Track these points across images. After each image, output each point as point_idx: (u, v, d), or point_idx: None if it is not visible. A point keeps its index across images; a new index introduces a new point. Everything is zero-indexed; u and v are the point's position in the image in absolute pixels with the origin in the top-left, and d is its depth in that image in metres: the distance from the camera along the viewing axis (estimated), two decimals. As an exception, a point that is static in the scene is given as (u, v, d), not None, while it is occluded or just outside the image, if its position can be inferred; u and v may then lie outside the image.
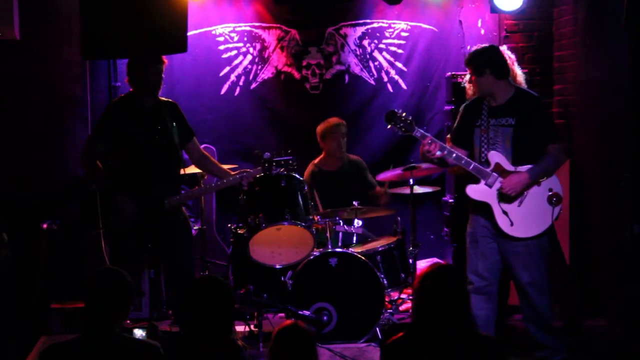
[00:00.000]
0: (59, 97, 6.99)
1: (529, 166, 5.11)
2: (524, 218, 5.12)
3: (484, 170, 5.13)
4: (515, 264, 5.18)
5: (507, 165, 5.13)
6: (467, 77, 5.86)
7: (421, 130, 5.20)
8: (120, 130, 5.35)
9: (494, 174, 5.12)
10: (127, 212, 5.30)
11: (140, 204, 5.31)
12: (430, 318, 3.23)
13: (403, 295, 6.41)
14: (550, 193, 5.14)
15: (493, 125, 5.16)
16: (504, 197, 5.11)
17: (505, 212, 5.11)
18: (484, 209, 5.19)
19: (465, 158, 5.15)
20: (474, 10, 7.63)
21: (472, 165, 5.13)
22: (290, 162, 5.66)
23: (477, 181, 5.17)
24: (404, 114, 5.19)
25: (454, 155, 5.13)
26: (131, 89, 5.51)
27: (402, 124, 5.18)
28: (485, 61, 5.18)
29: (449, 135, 5.50)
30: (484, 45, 5.54)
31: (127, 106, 5.42)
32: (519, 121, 5.13)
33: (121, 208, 5.30)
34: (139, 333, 4.83)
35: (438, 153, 5.11)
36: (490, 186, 5.13)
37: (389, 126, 5.22)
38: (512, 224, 5.12)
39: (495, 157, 5.13)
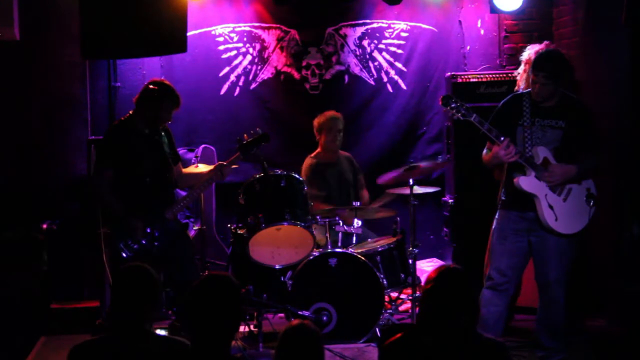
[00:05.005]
0: (59, 97, 6.99)
1: (577, 165, 5.22)
2: (566, 214, 5.20)
3: (537, 165, 5.18)
4: (547, 259, 5.24)
5: (553, 162, 5.21)
6: (521, 69, 5.82)
7: (479, 117, 5.15)
8: (122, 153, 5.41)
9: (543, 167, 5.18)
10: (139, 232, 5.39)
11: (147, 223, 5.41)
12: (437, 319, 3.22)
13: (403, 296, 6.41)
14: (588, 193, 5.26)
15: (540, 125, 5.23)
16: (552, 190, 5.18)
17: (551, 206, 5.17)
18: (521, 203, 5.23)
19: (524, 154, 5.18)
20: (473, 10, 7.63)
21: (523, 158, 5.16)
22: (263, 136, 5.70)
23: (524, 172, 5.19)
24: (459, 100, 5.15)
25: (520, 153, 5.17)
26: (131, 112, 5.55)
27: (463, 110, 5.10)
28: (564, 70, 5.24)
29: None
30: (555, 50, 5.52)
31: (127, 130, 5.48)
32: (568, 124, 5.23)
33: (134, 229, 5.38)
34: (162, 334, 4.84)
35: (517, 156, 5.10)
36: (539, 179, 5.17)
37: (446, 109, 5.15)
38: (556, 219, 5.17)
39: (544, 152, 5.20)
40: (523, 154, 5.16)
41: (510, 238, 5.27)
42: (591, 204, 5.23)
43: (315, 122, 6.75)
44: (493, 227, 5.39)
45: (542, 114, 5.25)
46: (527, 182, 5.19)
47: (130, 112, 5.55)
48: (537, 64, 5.23)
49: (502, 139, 5.11)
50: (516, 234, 5.27)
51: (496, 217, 5.40)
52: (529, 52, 6.66)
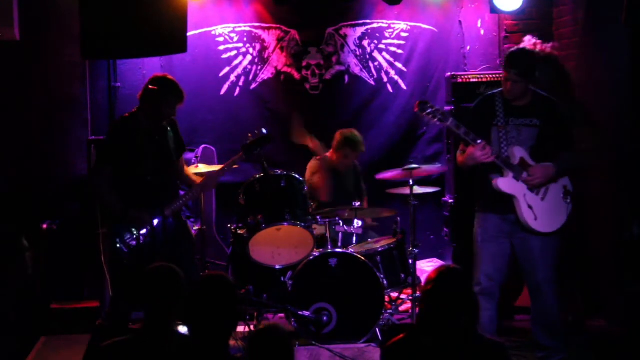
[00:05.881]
0: (59, 97, 6.99)
1: (551, 163, 5.23)
2: (546, 213, 5.21)
3: (514, 165, 5.19)
4: (533, 260, 5.25)
5: (530, 161, 5.22)
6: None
7: (455, 121, 5.14)
8: (124, 150, 5.39)
9: (520, 167, 5.17)
10: (145, 218, 5.36)
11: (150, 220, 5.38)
12: (437, 320, 3.22)
13: (403, 296, 6.41)
14: (565, 190, 5.28)
15: (515, 124, 5.24)
16: (530, 190, 5.18)
17: (530, 206, 5.18)
18: (500, 205, 5.23)
19: (501, 155, 5.17)
20: (473, 10, 7.63)
21: (500, 159, 5.16)
22: (266, 137, 5.67)
23: (501, 173, 5.19)
24: (435, 105, 5.12)
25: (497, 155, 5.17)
26: (135, 108, 5.53)
27: (439, 115, 5.07)
28: (535, 68, 5.25)
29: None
30: (526, 48, 5.51)
31: (130, 127, 5.44)
32: (543, 123, 5.24)
33: (137, 217, 5.35)
34: (184, 330, 4.85)
35: (493, 156, 5.10)
36: (517, 179, 5.17)
37: (423, 114, 5.10)
38: (536, 218, 5.18)
39: (520, 152, 5.21)
40: (500, 155, 5.16)
41: (494, 241, 5.27)
42: (568, 200, 5.25)
43: (339, 136, 6.70)
44: (475, 231, 5.38)
45: (516, 113, 5.24)
46: (505, 183, 5.19)
47: (134, 109, 5.54)
48: (509, 62, 5.21)
49: (478, 141, 5.09)
50: (499, 236, 5.27)
51: (476, 220, 5.40)
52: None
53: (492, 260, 5.25)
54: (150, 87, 5.48)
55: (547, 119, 5.24)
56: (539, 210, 5.18)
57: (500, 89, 5.32)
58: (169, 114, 5.51)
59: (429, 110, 5.07)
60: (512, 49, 5.34)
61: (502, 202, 5.21)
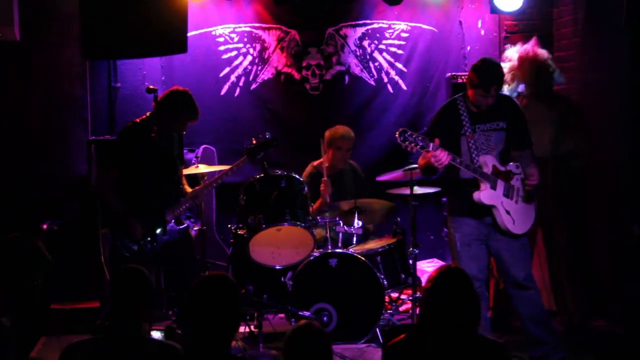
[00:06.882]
0: (59, 97, 6.98)
1: (515, 163, 5.30)
2: (521, 215, 5.27)
3: (488, 174, 5.19)
4: (513, 261, 5.29)
5: (500, 167, 5.25)
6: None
7: (433, 144, 5.05)
8: (131, 155, 5.41)
9: (494, 176, 5.18)
10: (136, 234, 5.39)
11: (149, 226, 5.39)
12: (438, 320, 3.22)
13: (403, 296, 6.41)
14: (530, 188, 5.34)
15: (482, 131, 5.24)
16: (505, 196, 5.21)
17: (508, 212, 5.20)
18: (476, 211, 5.23)
19: (472, 165, 5.17)
20: (474, 10, 7.63)
21: (478, 172, 5.17)
22: (271, 140, 5.66)
23: (477, 187, 5.18)
24: (415, 133, 5.02)
25: (464, 164, 5.15)
26: (145, 116, 5.52)
27: (420, 142, 4.99)
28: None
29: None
30: (490, 59, 5.50)
31: (139, 132, 5.44)
32: (509, 124, 5.27)
33: (132, 230, 5.38)
34: (156, 335, 4.82)
35: (448, 161, 5.06)
36: (494, 189, 5.17)
37: (404, 145, 5.03)
38: (514, 222, 5.23)
39: (491, 160, 5.22)
40: (476, 169, 5.15)
41: (474, 243, 5.30)
42: (534, 195, 5.34)
43: (326, 134, 6.60)
44: (452, 235, 5.36)
45: (482, 118, 5.24)
46: (486, 196, 5.20)
47: (147, 114, 5.53)
48: (488, 79, 5.11)
49: (437, 147, 5.01)
50: (477, 239, 5.29)
51: (451, 225, 5.38)
52: (513, 54, 6.60)
53: (474, 262, 5.25)
54: (167, 98, 5.47)
55: (511, 119, 5.28)
56: (516, 214, 5.24)
57: (460, 94, 5.32)
58: (180, 129, 5.55)
59: (410, 139, 4.97)
60: (479, 66, 5.19)
61: (477, 207, 5.23)
